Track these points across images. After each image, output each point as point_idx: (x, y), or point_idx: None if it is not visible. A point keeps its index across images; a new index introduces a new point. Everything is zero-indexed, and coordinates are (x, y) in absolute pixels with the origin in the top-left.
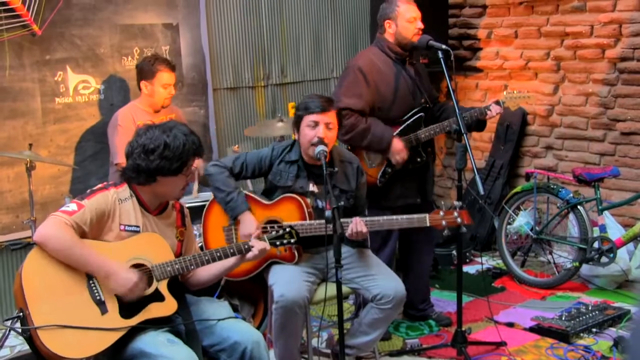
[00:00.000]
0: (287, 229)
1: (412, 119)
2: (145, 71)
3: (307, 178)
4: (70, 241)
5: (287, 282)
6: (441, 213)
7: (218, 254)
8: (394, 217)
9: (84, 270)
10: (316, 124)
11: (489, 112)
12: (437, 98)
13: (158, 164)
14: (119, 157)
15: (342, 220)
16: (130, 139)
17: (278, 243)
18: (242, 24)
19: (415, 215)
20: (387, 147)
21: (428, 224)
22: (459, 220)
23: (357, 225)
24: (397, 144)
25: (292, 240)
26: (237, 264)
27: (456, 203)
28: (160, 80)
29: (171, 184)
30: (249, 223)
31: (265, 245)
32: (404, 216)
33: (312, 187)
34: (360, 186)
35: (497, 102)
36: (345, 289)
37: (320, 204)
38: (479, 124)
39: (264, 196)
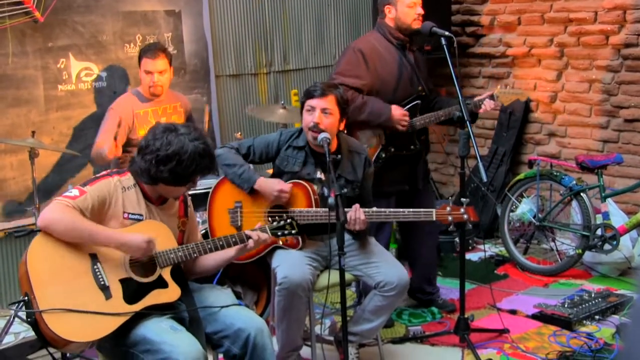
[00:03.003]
0: (288, 220)
1: (408, 106)
2: (138, 58)
3: (315, 165)
4: (75, 220)
5: (290, 264)
6: (448, 208)
7: (220, 243)
8: (401, 210)
9: (94, 244)
10: (313, 108)
11: (483, 107)
12: (432, 89)
13: (165, 177)
14: (98, 139)
15: (345, 209)
16: (116, 122)
17: (279, 233)
18: (245, 10)
19: (421, 210)
20: (387, 118)
21: (434, 219)
22: (465, 216)
23: (356, 212)
24: (397, 110)
25: (293, 232)
26: (238, 255)
27: (464, 199)
28: (143, 66)
29: (172, 190)
30: (271, 184)
31: (265, 236)
32: (411, 210)
33: (320, 175)
34: (366, 177)
35: (491, 97)
36: (348, 276)
37: (326, 191)
38: (470, 116)
39: None
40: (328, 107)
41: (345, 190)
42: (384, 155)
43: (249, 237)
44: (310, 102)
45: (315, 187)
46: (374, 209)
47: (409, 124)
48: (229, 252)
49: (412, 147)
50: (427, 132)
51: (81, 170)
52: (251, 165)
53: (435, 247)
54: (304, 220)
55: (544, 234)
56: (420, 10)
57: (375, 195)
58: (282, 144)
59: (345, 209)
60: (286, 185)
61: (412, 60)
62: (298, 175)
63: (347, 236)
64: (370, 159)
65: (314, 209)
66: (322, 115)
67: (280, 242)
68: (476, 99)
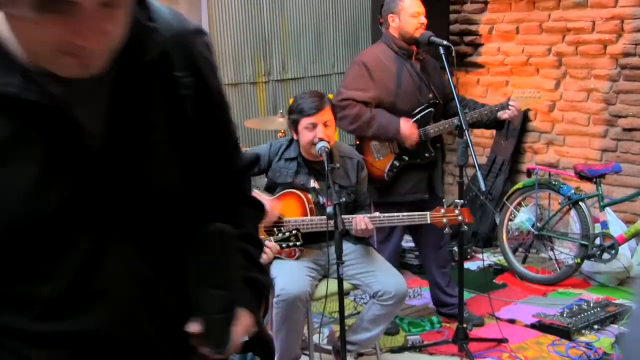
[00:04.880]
0: (294, 232)
1: (421, 115)
2: None
3: (308, 174)
4: None
5: (288, 276)
6: (442, 211)
7: None
8: (395, 214)
9: None
10: (314, 125)
11: (507, 113)
12: (451, 93)
13: None
14: None
15: (344, 216)
16: None
17: (284, 245)
18: (244, 19)
19: (416, 213)
20: (395, 134)
21: (429, 222)
22: (460, 218)
23: (359, 223)
24: (406, 126)
25: (298, 243)
26: None
27: (458, 201)
28: None
29: None
30: None
31: (275, 245)
32: (405, 214)
33: (314, 184)
34: (360, 181)
35: (509, 100)
36: (346, 285)
37: (322, 200)
38: (498, 122)
39: (266, 192)
40: (328, 119)
41: (344, 199)
42: (397, 164)
43: None
44: (310, 120)
45: (310, 196)
46: (368, 215)
47: (424, 132)
48: None
49: (427, 155)
50: (443, 140)
51: None
52: None
53: (445, 260)
54: (301, 230)
55: (543, 243)
56: (424, 20)
57: (390, 205)
58: (272, 156)
59: (344, 216)
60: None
61: (418, 70)
62: (292, 186)
63: (346, 245)
64: (363, 163)
65: (309, 217)
66: (324, 129)
67: (284, 255)
68: (500, 104)
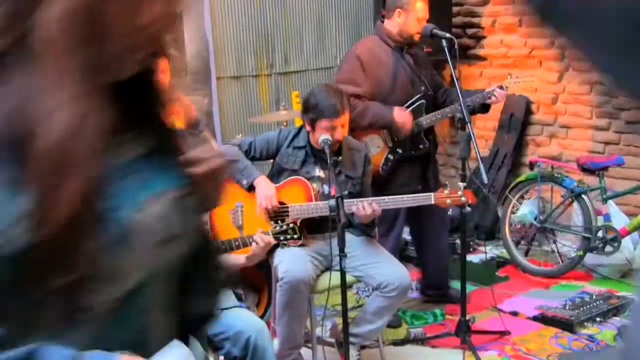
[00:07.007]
0: (291, 225)
1: (413, 106)
2: None
3: (314, 163)
4: None
5: (292, 261)
6: (446, 191)
7: (224, 246)
8: (399, 196)
9: None
10: (333, 128)
11: (493, 98)
12: (440, 84)
13: None
14: None
15: (346, 200)
16: None
17: (282, 238)
18: (246, 12)
19: (420, 195)
20: (390, 120)
21: (433, 202)
22: (463, 199)
23: (366, 208)
24: (400, 114)
25: (295, 236)
26: (249, 263)
27: (460, 184)
28: None
29: None
30: (266, 186)
31: (270, 239)
32: (409, 195)
33: (319, 172)
34: (366, 173)
35: (500, 87)
36: (349, 277)
37: (326, 189)
38: (483, 107)
39: (272, 177)
40: (345, 122)
41: (346, 192)
42: (392, 157)
43: (251, 240)
44: (329, 123)
45: (314, 184)
46: (372, 198)
47: (416, 123)
48: (240, 259)
49: (421, 146)
50: (434, 131)
51: None
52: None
53: (445, 249)
54: (304, 215)
55: (545, 235)
56: (424, 23)
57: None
58: (281, 142)
59: (346, 200)
60: (275, 201)
61: (411, 62)
62: (297, 173)
63: (348, 236)
64: (369, 156)
65: (314, 202)
66: (342, 130)
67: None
68: (486, 91)
